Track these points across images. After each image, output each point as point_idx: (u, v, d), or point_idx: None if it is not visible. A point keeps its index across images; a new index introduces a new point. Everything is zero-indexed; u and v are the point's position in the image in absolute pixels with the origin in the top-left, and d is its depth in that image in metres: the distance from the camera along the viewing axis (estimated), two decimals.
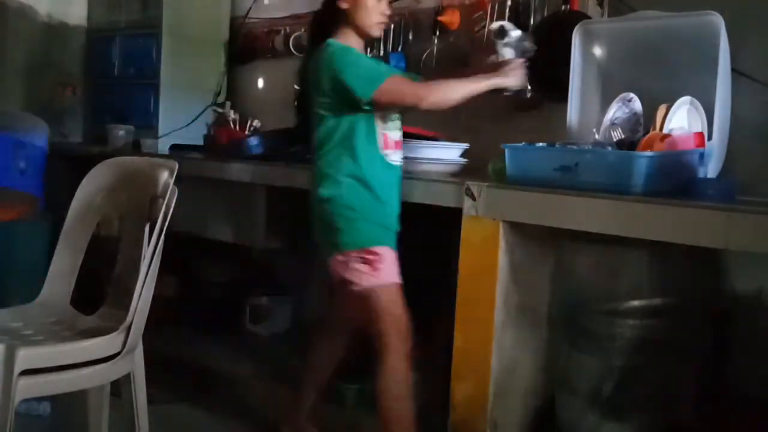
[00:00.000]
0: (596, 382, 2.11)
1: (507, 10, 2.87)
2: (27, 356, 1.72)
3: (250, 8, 3.88)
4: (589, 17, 2.55)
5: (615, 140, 2.16)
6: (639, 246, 1.93)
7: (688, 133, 2.08)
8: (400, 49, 3.21)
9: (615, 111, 2.23)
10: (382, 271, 2.14)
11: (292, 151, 2.81)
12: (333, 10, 2.22)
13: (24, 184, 3.22)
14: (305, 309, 3.33)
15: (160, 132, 3.65)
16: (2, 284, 2.90)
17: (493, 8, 2.91)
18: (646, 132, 2.12)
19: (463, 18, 3.01)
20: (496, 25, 2.35)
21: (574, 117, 2.40)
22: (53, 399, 2.56)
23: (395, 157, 2.24)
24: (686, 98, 2.13)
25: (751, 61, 2.27)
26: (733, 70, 2.16)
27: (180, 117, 3.68)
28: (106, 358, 1.87)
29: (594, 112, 2.38)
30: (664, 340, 2.05)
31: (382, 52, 3.24)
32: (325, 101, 2.17)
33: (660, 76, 2.26)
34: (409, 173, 2.34)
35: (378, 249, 2.15)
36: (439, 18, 3.05)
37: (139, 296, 1.91)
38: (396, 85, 2.17)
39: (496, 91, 2.24)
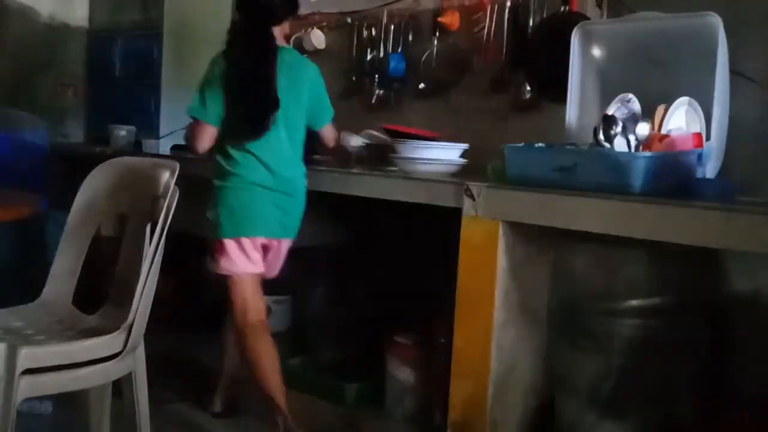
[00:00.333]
0: (595, 381, 2.11)
1: (506, 11, 2.88)
2: (29, 355, 1.72)
3: None
4: (588, 18, 2.55)
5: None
6: (638, 246, 1.93)
7: (686, 134, 2.09)
8: (399, 50, 3.22)
9: (614, 111, 2.23)
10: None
11: None
12: None
13: (25, 184, 3.23)
14: (305, 309, 3.33)
15: (161, 132, 3.66)
16: (3, 284, 2.91)
17: (492, 9, 2.92)
18: None
19: (463, 19, 3.02)
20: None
21: (573, 117, 2.41)
22: (55, 398, 2.56)
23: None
24: (684, 99, 2.14)
25: (749, 62, 2.27)
26: (732, 70, 2.16)
27: (181, 117, 3.68)
28: (108, 357, 1.87)
29: (593, 113, 2.38)
30: (663, 340, 2.05)
31: (382, 53, 3.26)
32: None
33: (658, 76, 2.26)
34: (409, 173, 2.34)
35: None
36: (439, 19, 3.06)
37: (141, 296, 1.91)
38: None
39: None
